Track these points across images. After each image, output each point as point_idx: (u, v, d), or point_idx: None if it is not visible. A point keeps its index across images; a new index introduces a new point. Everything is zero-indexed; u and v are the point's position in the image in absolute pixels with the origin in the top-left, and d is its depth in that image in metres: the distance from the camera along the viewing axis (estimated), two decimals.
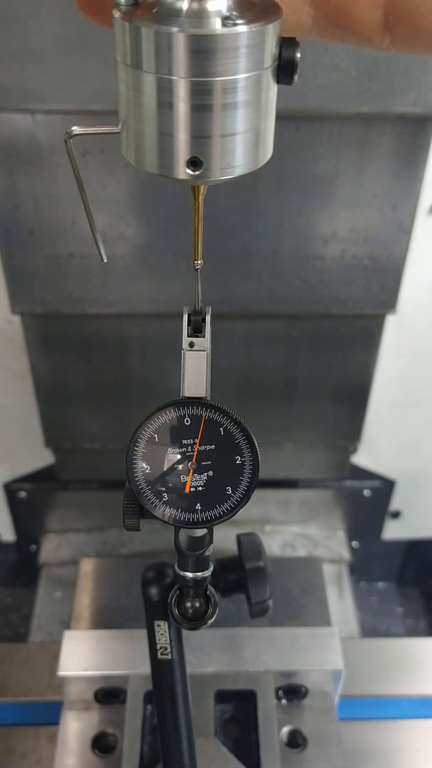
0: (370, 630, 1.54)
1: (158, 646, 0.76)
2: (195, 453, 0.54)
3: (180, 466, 0.55)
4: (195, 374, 0.54)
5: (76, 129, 0.47)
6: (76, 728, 0.89)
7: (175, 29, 0.38)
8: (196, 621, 0.65)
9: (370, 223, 1.03)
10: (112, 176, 0.97)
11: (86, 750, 0.87)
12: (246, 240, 1.04)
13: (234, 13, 0.40)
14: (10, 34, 0.85)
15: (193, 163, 0.42)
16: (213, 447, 0.55)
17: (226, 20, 0.39)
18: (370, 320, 1.16)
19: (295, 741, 0.88)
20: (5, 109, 0.92)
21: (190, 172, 0.42)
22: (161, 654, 0.76)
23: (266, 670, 0.90)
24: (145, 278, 1.08)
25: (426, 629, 1.60)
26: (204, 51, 0.39)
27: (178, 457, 0.55)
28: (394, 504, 1.50)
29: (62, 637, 0.92)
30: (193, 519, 0.55)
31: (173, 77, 0.39)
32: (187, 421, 0.54)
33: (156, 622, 0.77)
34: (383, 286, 1.10)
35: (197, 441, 0.54)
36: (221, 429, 0.54)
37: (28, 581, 1.47)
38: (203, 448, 0.55)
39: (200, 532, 0.59)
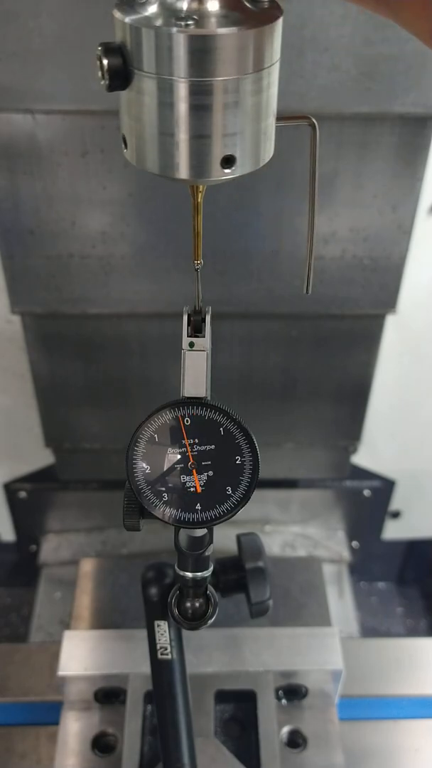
0: (370, 630, 1.54)
1: (158, 646, 0.76)
2: (190, 453, 0.54)
3: (180, 466, 0.55)
4: (195, 374, 0.54)
5: None
6: (76, 728, 0.89)
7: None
8: (196, 621, 0.65)
9: (370, 223, 1.03)
10: (112, 176, 0.97)
11: (86, 750, 0.87)
12: (246, 240, 1.04)
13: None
14: (10, 34, 0.85)
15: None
16: (213, 447, 0.55)
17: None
18: (370, 320, 1.16)
19: (295, 741, 0.88)
20: (5, 109, 0.92)
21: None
22: (161, 654, 0.76)
23: (266, 670, 0.90)
24: (145, 278, 1.08)
25: (426, 629, 1.60)
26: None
27: (178, 457, 0.55)
28: (394, 504, 1.50)
29: (62, 637, 0.92)
30: (193, 519, 0.55)
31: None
32: (187, 421, 0.54)
33: (156, 622, 0.77)
34: (383, 286, 1.10)
35: (188, 441, 0.54)
36: (221, 429, 0.54)
37: (28, 581, 1.47)
38: (203, 448, 0.55)
39: (200, 532, 0.59)
